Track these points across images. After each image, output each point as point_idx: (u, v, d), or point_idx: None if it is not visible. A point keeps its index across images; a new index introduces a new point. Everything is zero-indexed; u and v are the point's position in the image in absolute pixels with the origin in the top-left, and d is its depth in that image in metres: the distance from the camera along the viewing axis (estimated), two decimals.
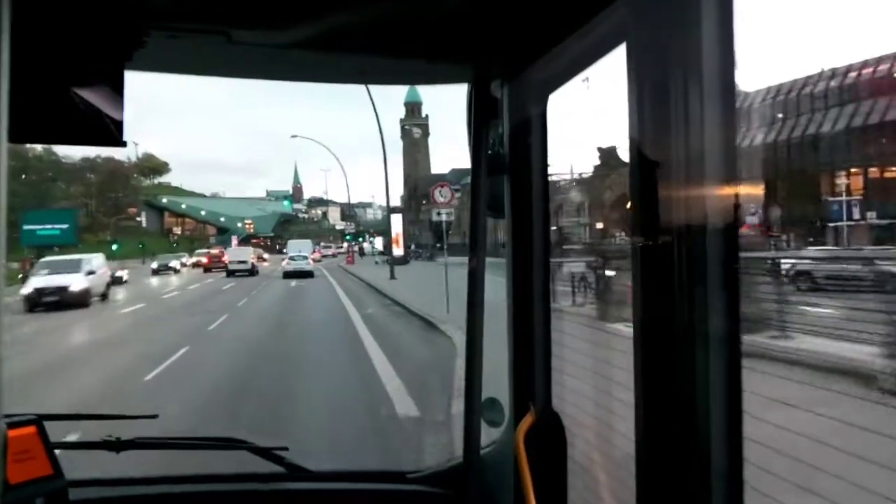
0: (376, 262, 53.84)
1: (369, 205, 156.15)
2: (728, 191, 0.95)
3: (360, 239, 63.44)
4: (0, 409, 0.68)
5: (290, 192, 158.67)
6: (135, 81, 1.31)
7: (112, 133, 1.23)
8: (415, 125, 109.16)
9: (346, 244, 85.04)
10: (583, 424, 2.08)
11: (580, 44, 1.31)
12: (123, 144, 1.24)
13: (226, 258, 50.94)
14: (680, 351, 0.97)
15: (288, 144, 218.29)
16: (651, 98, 1.02)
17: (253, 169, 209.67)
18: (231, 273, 45.64)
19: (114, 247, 60.56)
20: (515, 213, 1.64)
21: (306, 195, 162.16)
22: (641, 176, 1.04)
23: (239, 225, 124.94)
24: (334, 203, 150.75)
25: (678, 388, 0.98)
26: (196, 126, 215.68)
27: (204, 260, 55.72)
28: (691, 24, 0.93)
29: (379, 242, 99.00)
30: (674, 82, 0.96)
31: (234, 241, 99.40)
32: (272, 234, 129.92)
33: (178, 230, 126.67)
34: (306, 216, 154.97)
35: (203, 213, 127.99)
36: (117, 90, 1.22)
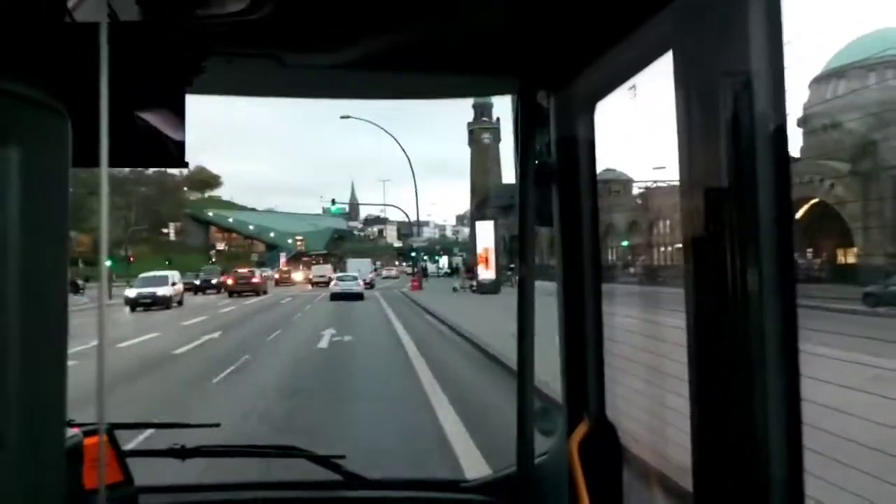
0: (455, 290, 39.49)
1: (426, 223, 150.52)
2: (780, 199, 0.97)
3: (426, 258, 48.82)
4: (103, 418, 0.80)
5: (347, 208, 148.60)
6: (197, 104, 1.40)
7: (175, 155, 1.32)
8: (484, 129, 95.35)
9: (407, 264, 73.28)
10: (638, 433, 2.05)
11: (626, 53, 1.36)
12: (186, 165, 1.34)
13: (257, 279, 46.81)
14: (736, 360, 1.00)
15: (346, 164, 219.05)
16: (699, 106, 1.06)
17: (311, 190, 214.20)
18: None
19: (108, 263, 47.23)
20: (564, 223, 1.69)
21: (362, 215, 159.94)
22: (691, 185, 1.09)
23: (289, 241, 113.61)
24: (391, 221, 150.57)
25: (734, 398, 1.00)
26: (256, 147, 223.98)
27: (229, 281, 46.90)
28: (739, 32, 0.97)
29: (444, 262, 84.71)
30: (722, 90, 1.00)
31: (283, 259, 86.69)
32: (324, 252, 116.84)
33: (222, 246, 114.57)
34: (362, 234, 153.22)
35: (251, 227, 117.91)
36: (179, 113, 1.32)
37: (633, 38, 1.29)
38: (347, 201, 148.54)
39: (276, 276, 66.68)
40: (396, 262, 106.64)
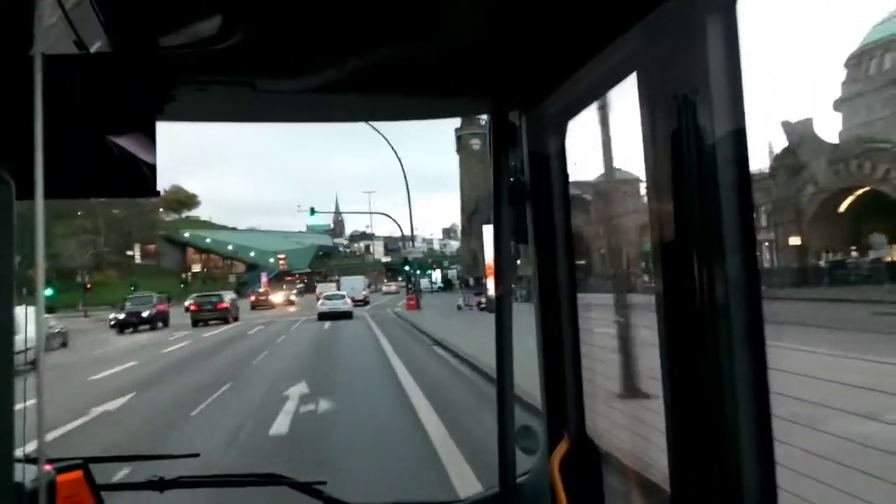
0: (459, 307, 33.71)
1: (414, 237, 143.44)
2: (742, 208, 1.02)
3: (417, 272, 42.43)
4: (42, 456, 0.80)
5: (331, 225, 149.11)
6: (171, 130, 1.27)
7: (146, 184, 1.32)
8: (473, 135, 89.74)
9: (399, 280, 68.08)
10: (619, 449, 2.12)
11: (594, 73, 1.42)
12: (157, 194, 1.34)
13: (225, 303, 40.32)
14: (707, 373, 1.04)
15: (328, 180, 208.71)
16: (662, 122, 1.10)
17: (293, 208, 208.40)
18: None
19: (48, 291, 40.35)
20: (539, 239, 1.72)
21: (348, 230, 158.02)
22: (658, 196, 1.13)
23: (271, 260, 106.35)
24: (377, 237, 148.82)
25: (708, 413, 1.04)
26: (234, 167, 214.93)
27: (192, 307, 40.56)
28: (698, 51, 1.02)
29: (437, 275, 79.29)
30: (684, 107, 1.05)
31: (264, 279, 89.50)
32: (308, 270, 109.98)
33: (198, 268, 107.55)
34: (348, 250, 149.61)
35: (230, 247, 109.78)
36: (150, 142, 1.32)
37: (599, 58, 1.35)
38: (332, 217, 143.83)
39: (253, 298, 59.41)
40: (385, 279, 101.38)
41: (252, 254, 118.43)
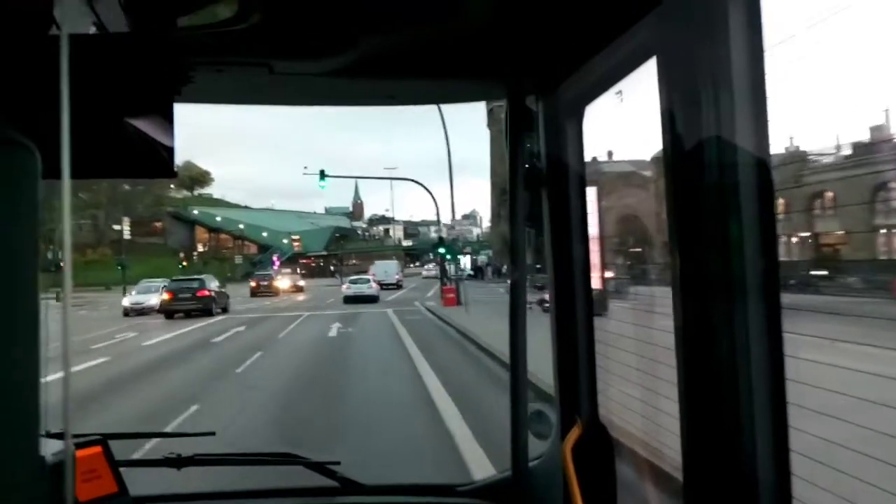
0: (531, 307, 22.11)
1: (434, 222, 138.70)
2: (763, 199, 1.01)
3: (451, 257, 33.19)
4: (68, 429, 0.86)
5: (350, 208, 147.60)
6: (190, 107, 1.35)
7: (164, 164, 1.34)
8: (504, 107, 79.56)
9: (430, 264, 62.63)
10: (631, 436, 2.01)
11: (612, 57, 1.42)
12: (175, 175, 1.36)
13: (207, 291, 32.12)
14: (722, 360, 1.04)
15: (348, 165, 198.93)
16: (682, 109, 1.11)
17: (312, 192, 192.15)
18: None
19: None
20: (554, 225, 1.74)
21: (368, 212, 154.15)
22: (675, 186, 1.14)
23: (285, 241, 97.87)
24: (397, 221, 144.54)
25: (723, 398, 1.05)
26: (252, 149, 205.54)
27: (165, 296, 31.95)
28: (720, 36, 1.01)
29: (467, 262, 71.06)
30: (704, 93, 1.04)
31: (275, 261, 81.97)
32: (324, 253, 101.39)
33: (202, 248, 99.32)
34: (367, 234, 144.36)
35: (241, 226, 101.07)
36: (168, 123, 1.34)
37: (618, 43, 1.34)
38: (351, 200, 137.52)
39: (253, 283, 50.40)
40: (411, 265, 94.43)
41: (264, 234, 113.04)
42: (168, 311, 30.87)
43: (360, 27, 1.36)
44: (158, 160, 1.29)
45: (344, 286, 42.12)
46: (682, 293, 1.10)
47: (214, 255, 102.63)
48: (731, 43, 0.99)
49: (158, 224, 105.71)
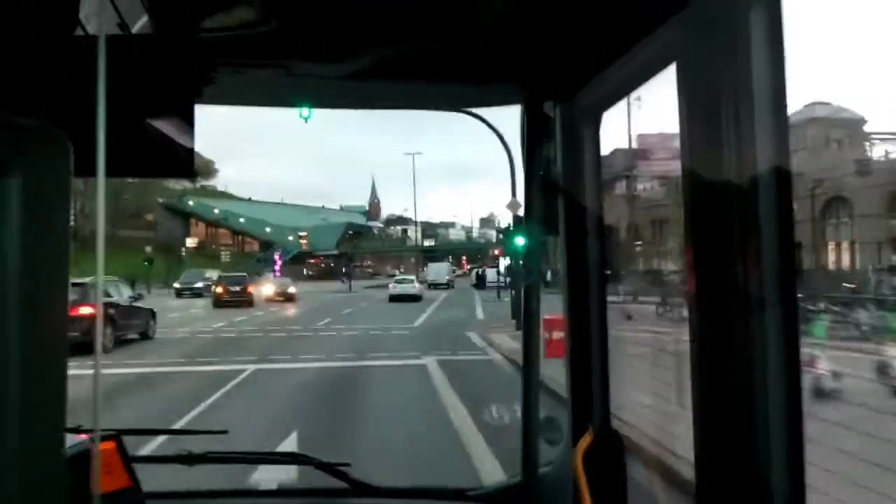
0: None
1: (452, 225, 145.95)
2: (782, 209, 1.02)
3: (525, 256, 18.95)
4: (97, 424, 0.88)
5: (366, 207, 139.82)
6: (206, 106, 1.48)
7: (184, 165, 1.37)
8: None
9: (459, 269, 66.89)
10: (643, 443, 2.03)
11: (631, 64, 1.43)
12: (194, 175, 1.67)
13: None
14: (738, 370, 1.04)
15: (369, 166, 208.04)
16: (701, 115, 1.11)
17: (327, 193, 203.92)
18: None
19: None
20: (569, 231, 1.76)
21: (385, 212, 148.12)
22: (692, 193, 1.16)
23: (290, 238, 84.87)
24: (415, 221, 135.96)
25: (737, 410, 1.05)
26: (268, 148, 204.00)
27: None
28: (741, 43, 1.02)
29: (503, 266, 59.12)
30: (724, 101, 1.05)
31: (278, 261, 69.97)
32: (335, 252, 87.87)
33: (193, 243, 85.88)
34: (383, 234, 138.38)
35: (242, 220, 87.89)
36: (188, 124, 1.37)
37: (637, 49, 1.35)
38: (367, 200, 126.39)
39: (219, 289, 36.57)
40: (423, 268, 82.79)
41: (268, 229, 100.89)
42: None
43: (378, 31, 1.39)
44: (178, 160, 1.30)
45: (390, 286, 47.37)
46: (699, 301, 1.12)
47: (204, 253, 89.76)
48: (751, 50, 0.99)
49: (150, 217, 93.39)
